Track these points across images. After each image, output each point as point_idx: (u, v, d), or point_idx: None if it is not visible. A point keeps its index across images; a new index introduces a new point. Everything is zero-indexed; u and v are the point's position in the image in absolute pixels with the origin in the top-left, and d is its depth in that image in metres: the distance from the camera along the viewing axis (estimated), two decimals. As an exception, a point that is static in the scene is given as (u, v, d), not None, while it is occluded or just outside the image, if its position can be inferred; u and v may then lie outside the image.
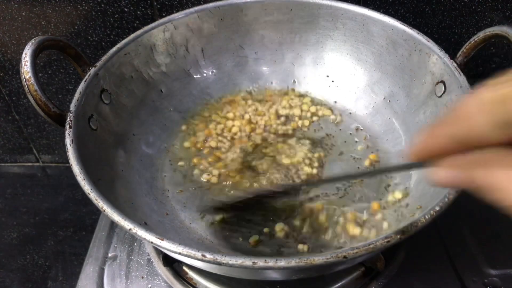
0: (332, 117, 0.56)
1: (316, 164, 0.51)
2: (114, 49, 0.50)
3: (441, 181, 0.24)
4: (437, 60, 0.47)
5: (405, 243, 0.48)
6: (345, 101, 0.57)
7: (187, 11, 0.55)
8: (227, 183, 0.49)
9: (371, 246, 0.32)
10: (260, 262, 0.31)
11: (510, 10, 0.61)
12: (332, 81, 0.58)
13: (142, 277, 0.48)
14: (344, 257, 0.31)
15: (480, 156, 0.21)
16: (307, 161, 0.51)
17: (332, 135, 0.55)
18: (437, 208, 0.34)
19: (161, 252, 0.46)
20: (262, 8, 0.57)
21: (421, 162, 0.25)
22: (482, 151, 0.21)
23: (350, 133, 0.55)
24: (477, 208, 0.52)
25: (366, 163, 0.51)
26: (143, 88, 0.54)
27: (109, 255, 0.51)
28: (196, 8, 0.56)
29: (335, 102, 0.58)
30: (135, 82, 0.53)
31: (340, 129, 0.55)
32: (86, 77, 0.46)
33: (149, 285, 0.48)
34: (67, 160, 0.39)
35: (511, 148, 0.20)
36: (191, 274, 0.48)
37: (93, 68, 0.47)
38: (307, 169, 0.50)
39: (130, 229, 0.33)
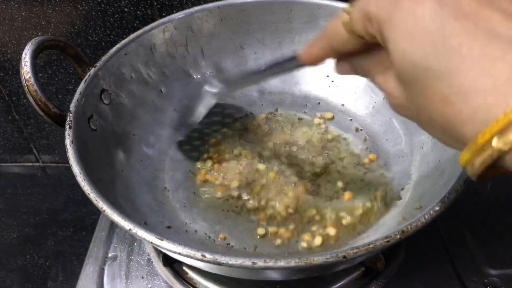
0: (330, 116, 0.56)
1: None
2: (114, 49, 0.50)
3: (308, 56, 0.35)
4: (437, 60, 0.47)
5: (405, 243, 0.48)
6: (345, 101, 0.57)
7: (187, 11, 0.55)
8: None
9: (371, 246, 0.32)
10: (260, 262, 0.31)
11: (510, 10, 0.61)
12: (332, 81, 0.58)
13: (142, 277, 0.48)
14: (344, 257, 0.31)
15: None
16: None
17: (332, 135, 0.55)
18: (437, 208, 0.34)
19: (161, 252, 0.46)
20: (262, 8, 0.57)
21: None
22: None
23: (350, 133, 0.55)
24: (477, 208, 0.52)
25: (366, 161, 0.51)
26: (143, 88, 0.54)
27: (109, 255, 0.51)
28: (196, 8, 0.56)
29: (335, 102, 0.58)
30: (135, 82, 0.53)
31: (340, 129, 0.55)
32: (86, 77, 0.46)
33: (149, 285, 0.48)
34: (67, 160, 0.39)
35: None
36: (191, 274, 0.48)
37: (93, 68, 0.47)
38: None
39: (130, 229, 0.33)
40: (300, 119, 0.56)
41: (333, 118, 0.56)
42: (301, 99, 0.59)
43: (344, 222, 0.44)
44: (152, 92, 0.55)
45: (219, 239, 0.45)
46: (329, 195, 0.47)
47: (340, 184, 0.48)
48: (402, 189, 0.47)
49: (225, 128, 0.55)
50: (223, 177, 0.50)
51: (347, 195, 0.47)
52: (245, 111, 0.58)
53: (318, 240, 0.43)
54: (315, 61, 0.34)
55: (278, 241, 0.44)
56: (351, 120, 0.56)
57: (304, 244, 0.43)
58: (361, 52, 0.30)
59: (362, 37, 0.28)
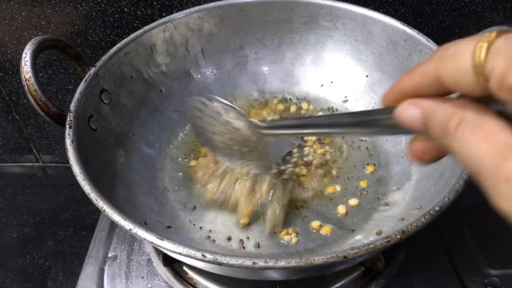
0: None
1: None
2: (114, 49, 0.50)
3: (404, 118, 0.23)
4: (437, 60, 0.47)
5: (405, 243, 0.48)
6: (345, 101, 0.57)
7: (187, 11, 0.55)
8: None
9: (371, 246, 0.32)
10: (260, 262, 0.31)
11: (510, 10, 0.61)
12: (332, 81, 0.58)
13: (142, 277, 0.48)
14: (344, 257, 0.31)
15: (456, 107, 0.20)
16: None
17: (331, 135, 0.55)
18: (437, 208, 0.34)
19: (161, 252, 0.46)
20: (262, 8, 0.57)
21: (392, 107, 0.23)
22: (458, 101, 0.21)
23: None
24: (477, 208, 0.52)
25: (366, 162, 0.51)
26: (143, 88, 0.54)
27: (109, 255, 0.51)
28: (196, 8, 0.56)
29: (335, 102, 0.58)
30: (135, 82, 0.53)
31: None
32: (86, 77, 0.46)
33: (149, 285, 0.48)
34: (67, 160, 0.39)
35: (489, 111, 0.20)
36: (191, 274, 0.48)
37: (93, 68, 0.47)
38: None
39: (130, 229, 0.33)
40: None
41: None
42: (301, 99, 0.59)
43: None
44: (152, 92, 0.55)
45: (219, 239, 0.45)
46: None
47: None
48: (398, 188, 0.47)
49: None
50: (222, 178, 0.50)
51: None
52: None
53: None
54: (405, 96, 0.23)
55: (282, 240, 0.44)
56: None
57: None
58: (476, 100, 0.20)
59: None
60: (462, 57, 0.20)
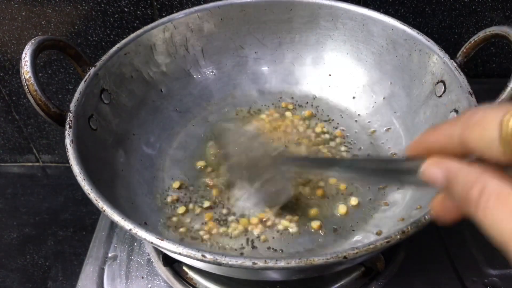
0: (330, 117, 0.56)
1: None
2: (114, 49, 0.50)
3: (428, 177, 0.23)
4: (437, 60, 0.47)
5: (405, 243, 0.48)
6: (345, 101, 0.57)
7: (187, 11, 0.55)
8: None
9: (371, 246, 0.32)
10: (260, 263, 0.31)
11: (510, 10, 0.61)
12: (332, 81, 0.58)
13: (142, 277, 0.48)
14: (344, 257, 0.31)
15: (479, 173, 0.21)
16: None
17: (332, 135, 0.55)
18: (437, 208, 0.34)
19: (161, 252, 0.46)
20: (262, 8, 0.57)
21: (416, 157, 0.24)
22: (481, 167, 0.21)
23: (350, 133, 0.55)
24: (477, 208, 0.52)
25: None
26: (143, 88, 0.54)
27: (109, 255, 0.51)
28: (196, 8, 0.56)
29: (335, 102, 0.58)
30: (135, 82, 0.53)
31: (340, 129, 0.55)
32: (86, 77, 0.46)
33: (149, 285, 0.48)
34: (67, 160, 0.39)
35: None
36: (191, 274, 0.48)
37: (93, 68, 0.47)
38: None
39: (130, 229, 0.33)
40: (299, 119, 0.56)
41: (333, 118, 0.56)
42: (301, 99, 0.59)
43: None
44: (152, 92, 0.55)
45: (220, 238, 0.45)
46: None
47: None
48: (398, 188, 0.47)
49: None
50: (223, 178, 0.50)
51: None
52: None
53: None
54: (429, 150, 0.24)
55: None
56: (351, 120, 0.56)
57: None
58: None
59: None
60: (489, 127, 0.20)
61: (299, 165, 0.41)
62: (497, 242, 0.20)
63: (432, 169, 0.23)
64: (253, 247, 0.44)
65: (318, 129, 0.55)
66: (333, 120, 0.56)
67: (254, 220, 0.46)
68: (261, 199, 0.46)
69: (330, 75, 0.59)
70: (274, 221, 0.46)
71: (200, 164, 0.52)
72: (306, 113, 0.57)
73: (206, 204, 0.48)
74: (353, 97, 0.57)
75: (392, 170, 0.27)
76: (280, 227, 0.45)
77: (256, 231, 0.45)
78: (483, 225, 0.21)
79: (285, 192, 0.46)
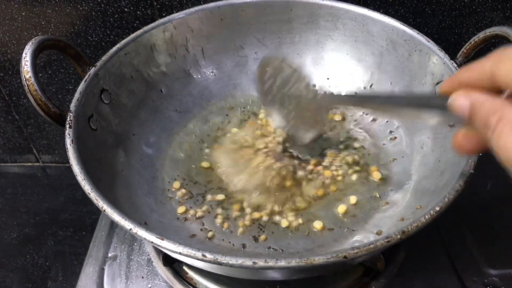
0: (330, 117, 0.56)
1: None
2: (114, 49, 0.50)
3: (455, 106, 0.26)
4: (437, 61, 0.47)
5: (405, 243, 0.48)
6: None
7: (187, 11, 0.55)
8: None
9: (371, 246, 0.32)
10: (260, 262, 0.31)
11: (510, 10, 0.61)
12: (332, 82, 0.58)
13: (142, 277, 0.48)
14: (344, 257, 0.31)
15: (501, 105, 0.23)
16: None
17: (332, 136, 0.55)
18: (437, 208, 0.34)
19: (161, 252, 0.46)
20: (262, 8, 0.57)
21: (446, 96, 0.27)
22: (504, 100, 0.24)
23: (350, 133, 0.55)
24: (477, 208, 0.52)
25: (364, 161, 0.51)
26: (143, 88, 0.54)
27: (109, 255, 0.51)
28: (196, 8, 0.56)
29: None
30: (135, 82, 0.53)
31: (340, 129, 0.55)
32: (86, 77, 0.46)
33: (149, 285, 0.48)
34: (67, 160, 0.39)
35: None
36: (191, 274, 0.48)
37: (93, 68, 0.47)
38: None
39: (130, 229, 0.33)
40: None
41: (333, 118, 0.56)
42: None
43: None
44: (152, 92, 0.55)
45: (219, 239, 0.45)
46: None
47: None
48: (399, 188, 0.47)
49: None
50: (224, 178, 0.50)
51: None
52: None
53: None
54: (456, 89, 0.27)
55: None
56: (351, 120, 0.56)
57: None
58: None
59: None
60: None
61: (338, 100, 0.43)
62: (505, 163, 0.23)
63: (460, 99, 0.26)
64: (254, 247, 0.44)
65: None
66: (333, 120, 0.56)
67: (255, 217, 0.46)
68: (292, 131, 0.48)
69: (330, 75, 0.58)
70: (274, 221, 0.46)
71: (203, 164, 0.52)
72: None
73: (206, 204, 0.48)
74: (353, 97, 0.57)
75: (427, 104, 0.31)
76: (280, 227, 0.45)
77: (256, 231, 0.45)
78: (496, 148, 0.23)
79: (315, 130, 0.47)
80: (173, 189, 0.49)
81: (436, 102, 0.30)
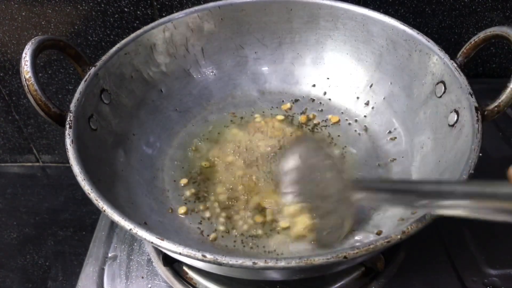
0: (332, 117, 0.56)
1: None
2: (114, 49, 0.50)
3: None
4: (437, 60, 0.47)
5: (405, 243, 0.48)
6: (345, 101, 0.57)
7: (187, 10, 0.55)
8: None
9: (371, 246, 0.32)
10: (260, 262, 0.31)
11: (510, 10, 0.61)
12: (332, 82, 0.58)
13: (142, 277, 0.48)
14: (344, 257, 0.31)
15: None
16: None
17: (332, 136, 0.55)
18: (437, 208, 0.34)
19: (161, 252, 0.46)
20: (262, 8, 0.57)
21: None
22: None
23: (350, 133, 0.55)
24: (477, 208, 0.52)
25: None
26: (143, 88, 0.54)
27: (109, 255, 0.51)
28: (196, 8, 0.56)
29: (335, 102, 0.58)
30: (135, 82, 0.53)
31: (340, 129, 0.55)
32: (86, 77, 0.46)
33: (149, 285, 0.48)
34: (67, 160, 0.39)
35: None
36: (191, 274, 0.48)
37: (93, 68, 0.47)
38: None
39: (130, 229, 0.33)
40: (299, 118, 0.57)
41: (333, 118, 0.56)
42: (301, 99, 0.59)
43: None
44: (152, 92, 0.55)
45: (219, 238, 0.45)
46: None
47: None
48: None
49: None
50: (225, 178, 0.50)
51: None
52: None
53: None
54: None
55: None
56: (351, 120, 0.56)
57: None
58: None
59: None
60: None
61: (371, 191, 0.36)
62: None
63: None
64: (254, 247, 0.44)
65: (318, 130, 0.55)
66: (332, 119, 0.56)
67: (255, 220, 0.46)
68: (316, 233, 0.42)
69: (330, 75, 0.58)
70: (274, 221, 0.46)
71: (205, 164, 0.52)
72: (306, 113, 0.57)
73: (206, 204, 0.48)
74: (353, 97, 0.57)
75: (491, 194, 0.26)
76: (280, 227, 0.46)
77: (256, 231, 0.45)
78: None
79: (339, 231, 0.42)
80: (173, 189, 0.49)
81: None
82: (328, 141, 0.54)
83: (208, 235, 0.45)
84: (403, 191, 0.34)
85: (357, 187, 0.38)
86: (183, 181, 0.50)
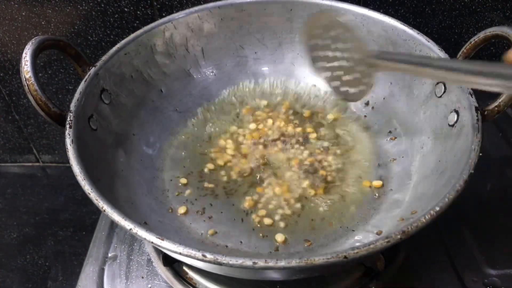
0: (332, 117, 0.56)
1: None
2: (114, 49, 0.50)
3: None
4: (437, 60, 0.47)
5: (405, 243, 0.48)
6: (345, 101, 0.57)
7: (187, 11, 0.55)
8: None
9: (371, 246, 0.32)
10: (261, 262, 0.31)
11: (510, 10, 0.61)
12: (332, 81, 0.58)
13: (142, 277, 0.48)
14: (344, 257, 0.31)
15: None
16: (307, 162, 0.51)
17: (332, 136, 0.55)
18: (437, 208, 0.34)
19: (161, 252, 0.46)
20: (262, 8, 0.57)
21: None
22: None
23: (350, 133, 0.55)
24: (477, 208, 0.52)
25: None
26: (143, 88, 0.54)
27: (109, 255, 0.51)
28: (196, 8, 0.56)
29: (335, 102, 0.58)
30: (135, 82, 0.53)
31: (340, 129, 0.55)
32: (86, 77, 0.46)
33: (149, 285, 0.48)
34: (67, 160, 0.39)
35: None
36: (191, 274, 0.48)
37: (93, 68, 0.47)
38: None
39: (130, 229, 0.33)
40: (299, 118, 0.57)
41: (333, 118, 0.56)
42: (301, 99, 0.59)
43: None
44: (152, 92, 0.55)
45: (220, 238, 0.45)
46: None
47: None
48: (399, 188, 0.47)
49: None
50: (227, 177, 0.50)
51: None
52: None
53: None
54: None
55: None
56: (351, 120, 0.56)
57: None
58: None
59: None
60: None
61: (392, 61, 0.39)
62: None
63: None
64: (254, 247, 0.44)
65: (318, 129, 0.55)
66: (332, 119, 0.56)
67: (256, 218, 0.46)
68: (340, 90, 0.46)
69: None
70: (274, 222, 0.46)
71: (203, 164, 0.52)
72: (306, 113, 0.57)
73: (206, 204, 0.48)
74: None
75: (495, 73, 0.32)
76: (281, 227, 0.46)
77: (256, 231, 0.45)
78: None
79: (364, 87, 0.45)
80: (173, 189, 0.49)
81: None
82: (328, 141, 0.54)
83: (208, 235, 0.45)
84: (422, 64, 0.37)
85: (379, 55, 0.41)
86: (183, 181, 0.50)
